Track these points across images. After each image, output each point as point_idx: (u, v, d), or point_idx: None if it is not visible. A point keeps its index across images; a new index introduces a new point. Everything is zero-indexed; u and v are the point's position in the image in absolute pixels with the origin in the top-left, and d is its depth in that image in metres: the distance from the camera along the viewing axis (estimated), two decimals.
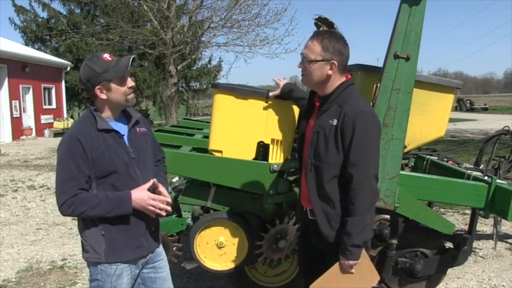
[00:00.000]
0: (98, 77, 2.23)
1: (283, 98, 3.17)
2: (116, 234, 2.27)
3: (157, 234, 2.49)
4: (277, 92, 3.14)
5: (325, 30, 2.97)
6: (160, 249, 2.54)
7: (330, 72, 2.32)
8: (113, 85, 2.25)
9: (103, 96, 2.26)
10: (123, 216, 2.25)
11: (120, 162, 2.26)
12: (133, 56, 2.32)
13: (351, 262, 2.29)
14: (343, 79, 2.38)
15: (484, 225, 6.18)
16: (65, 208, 2.18)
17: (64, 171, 2.19)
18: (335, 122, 2.28)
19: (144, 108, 32.33)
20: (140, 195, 2.24)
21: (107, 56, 2.27)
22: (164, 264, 2.54)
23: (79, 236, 2.42)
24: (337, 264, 2.34)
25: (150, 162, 2.45)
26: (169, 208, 2.32)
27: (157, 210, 2.27)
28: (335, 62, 2.30)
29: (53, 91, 23.82)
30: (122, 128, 2.34)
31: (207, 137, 3.81)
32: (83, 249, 2.35)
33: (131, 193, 2.23)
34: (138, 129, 2.41)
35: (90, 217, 2.23)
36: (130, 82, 2.32)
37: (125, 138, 2.33)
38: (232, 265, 3.38)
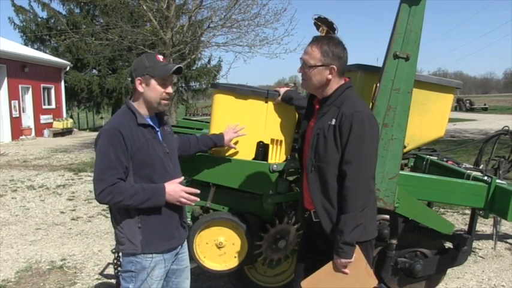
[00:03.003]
0: (143, 70, 2.38)
1: None
2: (151, 226, 2.40)
3: (185, 226, 2.64)
4: (278, 99, 3.16)
5: (324, 36, 2.98)
6: (185, 242, 2.68)
7: (330, 76, 2.38)
8: (153, 82, 2.38)
9: (140, 88, 2.40)
10: (158, 209, 2.40)
11: (157, 156, 2.40)
12: (180, 66, 2.45)
13: (343, 260, 2.30)
14: (342, 82, 2.43)
15: (484, 225, 6.18)
16: (103, 196, 2.29)
17: (104, 160, 2.30)
18: (333, 121, 2.33)
19: None
20: (173, 187, 2.39)
21: (160, 56, 2.44)
22: (186, 256, 2.70)
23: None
24: (330, 263, 2.34)
25: (177, 158, 2.61)
26: (198, 199, 2.50)
27: (188, 202, 2.42)
28: (334, 67, 2.36)
29: (53, 91, 23.82)
30: (156, 125, 2.48)
31: None
32: (117, 242, 2.48)
33: (165, 186, 2.37)
34: (166, 127, 2.56)
35: (125, 206, 2.34)
36: (169, 89, 2.45)
37: (159, 134, 2.47)
38: (231, 265, 3.37)
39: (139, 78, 2.39)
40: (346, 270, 2.33)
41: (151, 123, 2.44)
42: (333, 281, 2.35)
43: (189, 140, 2.92)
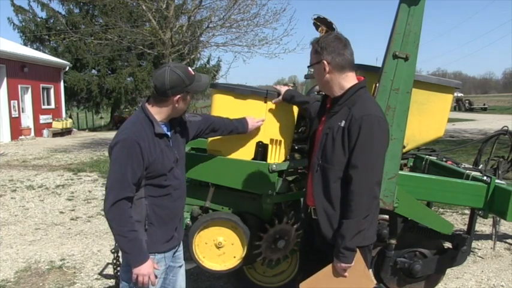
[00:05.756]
0: (184, 87, 2.36)
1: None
2: (155, 228, 2.44)
3: (182, 227, 2.70)
4: (279, 98, 3.14)
5: (323, 35, 2.99)
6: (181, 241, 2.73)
7: (325, 72, 2.35)
8: (188, 97, 2.42)
9: (177, 104, 2.39)
10: (164, 212, 2.44)
11: (169, 164, 2.41)
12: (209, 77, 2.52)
13: (343, 265, 2.28)
14: (352, 81, 2.38)
15: (483, 225, 6.18)
16: (112, 209, 2.28)
17: (119, 171, 2.29)
18: (343, 123, 2.29)
19: None
20: (149, 269, 2.37)
21: (190, 69, 2.42)
22: (181, 255, 2.73)
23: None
24: (330, 265, 2.34)
25: (184, 162, 2.62)
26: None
27: (141, 283, 2.39)
28: (324, 61, 2.33)
29: (52, 91, 23.81)
30: (168, 131, 2.48)
31: None
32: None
33: (149, 260, 2.37)
34: (177, 131, 2.55)
35: (113, 232, 2.35)
36: None
37: (171, 141, 2.48)
38: (231, 265, 3.37)
39: (180, 96, 2.37)
40: (346, 274, 2.32)
41: (166, 132, 2.44)
42: (331, 283, 2.35)
43: (223, 122, 3.00)
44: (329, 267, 2.34)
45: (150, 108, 2.40)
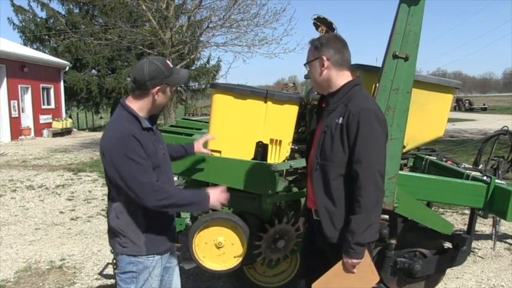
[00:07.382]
0: (163, 78, 2.33)
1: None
2: (153, 229, 2.42)
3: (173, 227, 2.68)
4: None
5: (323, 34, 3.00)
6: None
7: (323, 68, 2.37)
8: (168, 89, 2.39)
9: (156, 97, 2.36)
10: (158, 212, 2.39)
11: (161, 158, 2.42)
12: (189, 72, 2.49)
13: (354, 261, 2.27)
14: (348, 78, 2.40)
15: (483, 225, 6.18)
16: (159, 198, 2.26)
17: (136, 166, 2.24)
18: (341, 120, 2.30)
19: None
20: (214, 195, 2.40)
21: (168, 62, 2.41)
22: (175, 255, 2.72)
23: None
24: (339, 263, 2.33)
25: (168, 156, 2.60)
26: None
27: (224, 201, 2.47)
28: (324, 57, 2.36)
29: (52, 91, 23.81)
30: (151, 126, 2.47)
31: None
32: (117, 244, 2.45)
33: (207, 191, 2.41)
34: (156, 128, 2.54)
35: (175, 208, 2.44)
36: None
37: (156, 134, 2.47)
38: (231, 265, 3.37)
39: (159, 87, 2.33)
40: (354, 270, 2.32)
41: (152, 126, 2.42)
42: (342, 280, 2.35)
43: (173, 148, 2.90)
44: (339, 265, 2.34)
45: (131, 105, 2.37)
